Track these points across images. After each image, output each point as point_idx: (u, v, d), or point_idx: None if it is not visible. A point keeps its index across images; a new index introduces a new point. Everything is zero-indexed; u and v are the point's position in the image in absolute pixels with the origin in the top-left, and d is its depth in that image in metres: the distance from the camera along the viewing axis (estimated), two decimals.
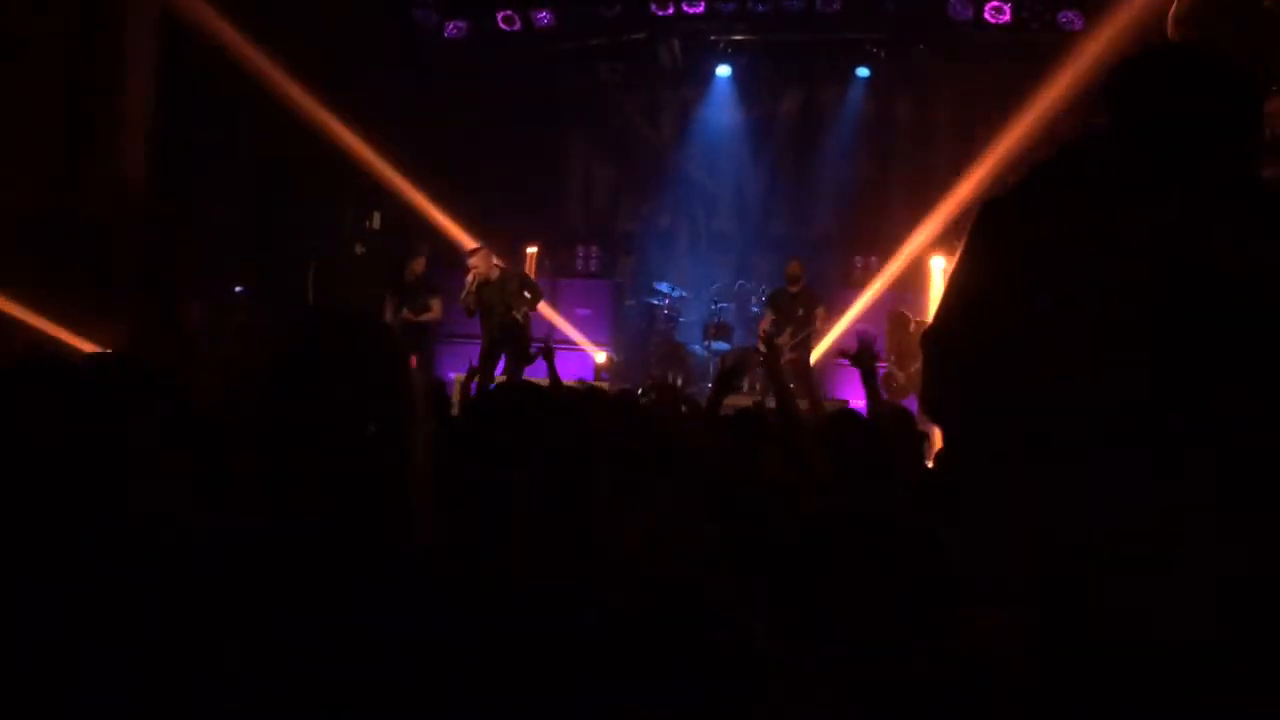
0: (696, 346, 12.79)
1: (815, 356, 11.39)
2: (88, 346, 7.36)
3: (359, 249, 12.36)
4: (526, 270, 11.36)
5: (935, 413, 2.08)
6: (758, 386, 11.85)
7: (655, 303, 13.16)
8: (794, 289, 11.55)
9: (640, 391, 8.78)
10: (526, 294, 10.43)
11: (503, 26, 12.67)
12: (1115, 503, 1.68)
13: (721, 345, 12.29)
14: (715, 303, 12.90)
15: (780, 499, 2.90)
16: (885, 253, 12.38)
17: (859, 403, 10.63)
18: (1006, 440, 1.84)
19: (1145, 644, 1.64)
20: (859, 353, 4.52)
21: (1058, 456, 1.77)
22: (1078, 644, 1.70)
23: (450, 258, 12.60)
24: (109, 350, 6.19)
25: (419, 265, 11.19)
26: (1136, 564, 1.66)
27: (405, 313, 10.94)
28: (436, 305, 11.05)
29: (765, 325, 11.40)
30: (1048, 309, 1.82)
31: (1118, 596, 1.67)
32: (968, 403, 1.96)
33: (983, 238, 1.98)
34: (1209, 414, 1.68)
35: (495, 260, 10.50)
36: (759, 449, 3.69)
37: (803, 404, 8.94)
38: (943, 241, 11.73)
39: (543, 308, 11.06)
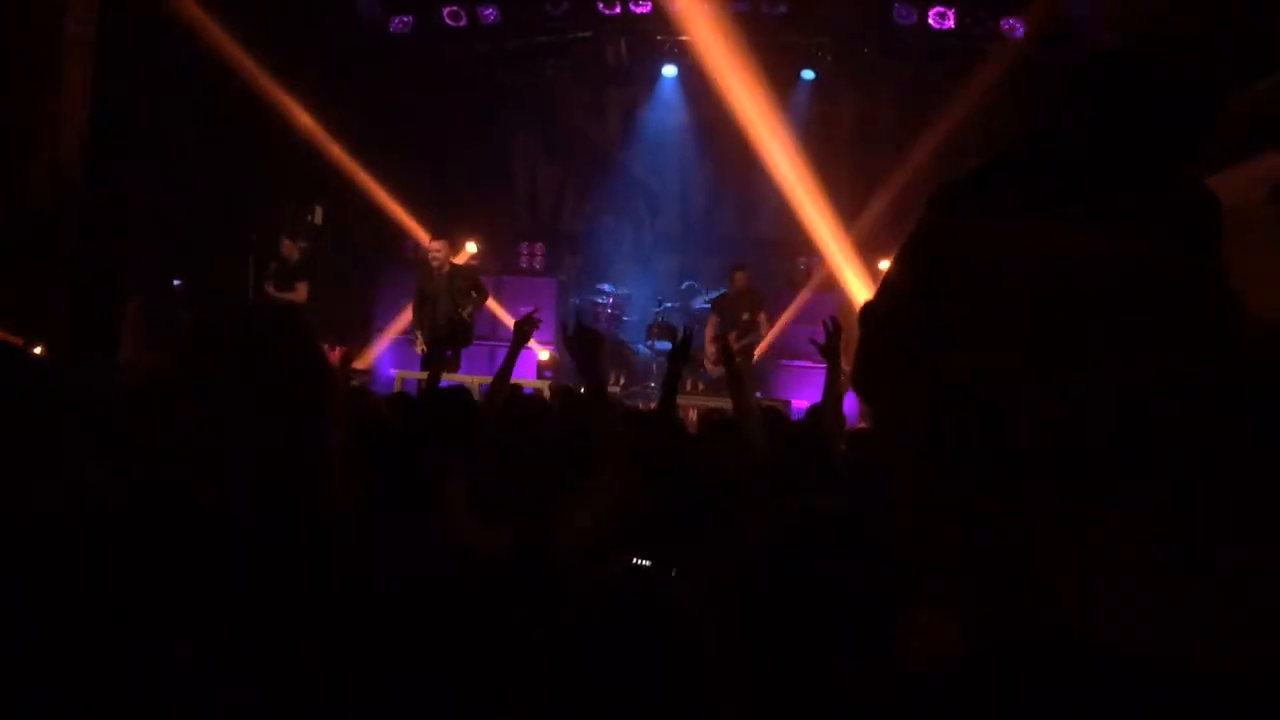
0: (640, 346, 12.81)
1: (756, 358, 11.55)
2: (19, 340, 7.20)
3: (300, 244, 12.21)
4: (461, 264, 11.32)
5: (864, 391, 2.07)
6: (700, 387, 11.92)
7: (599, 301, 13.16)
8: (738, 294, 11.75)
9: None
10: (474, 294, 10.47)
11: (448, 22, 12.58)
12: (1046, 510, 1.69)
13: (665, 345, 12.31)
14: (660, 302, 12.93)
15: (739, 497, 2.90)
16: (829, 253, 12.49)
17: (800, 402, 10.74)
18: (933, 434, 1.84)
19: (1077, 645, 1.65)
20: (828, 342, 4.32)
21: (989, 459, 1.77)
22: (1012, 645, 1.70)
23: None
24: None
25: (290, 249, 10.87)
26: (1065, 568, 1.67)
27: (269, 289, 10.66)
28: (302, 289, 10.82)
29: (711, 330, 11.54)
30: (988, 307, 1.82)
31: (1049, 598, 1.68)
32: (897, 388, 1.95)
33: (930, 228, 1.97)
34: (1145, 426, 1.68)
35: (449, 256, 10.63)
36: (719, 447, 3.68)
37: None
38: (886, 241, 11.88)
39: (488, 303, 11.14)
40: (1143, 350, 1.74)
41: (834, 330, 4.33)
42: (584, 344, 3.05)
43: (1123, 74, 1.91)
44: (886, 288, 2.02)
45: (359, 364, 12.40)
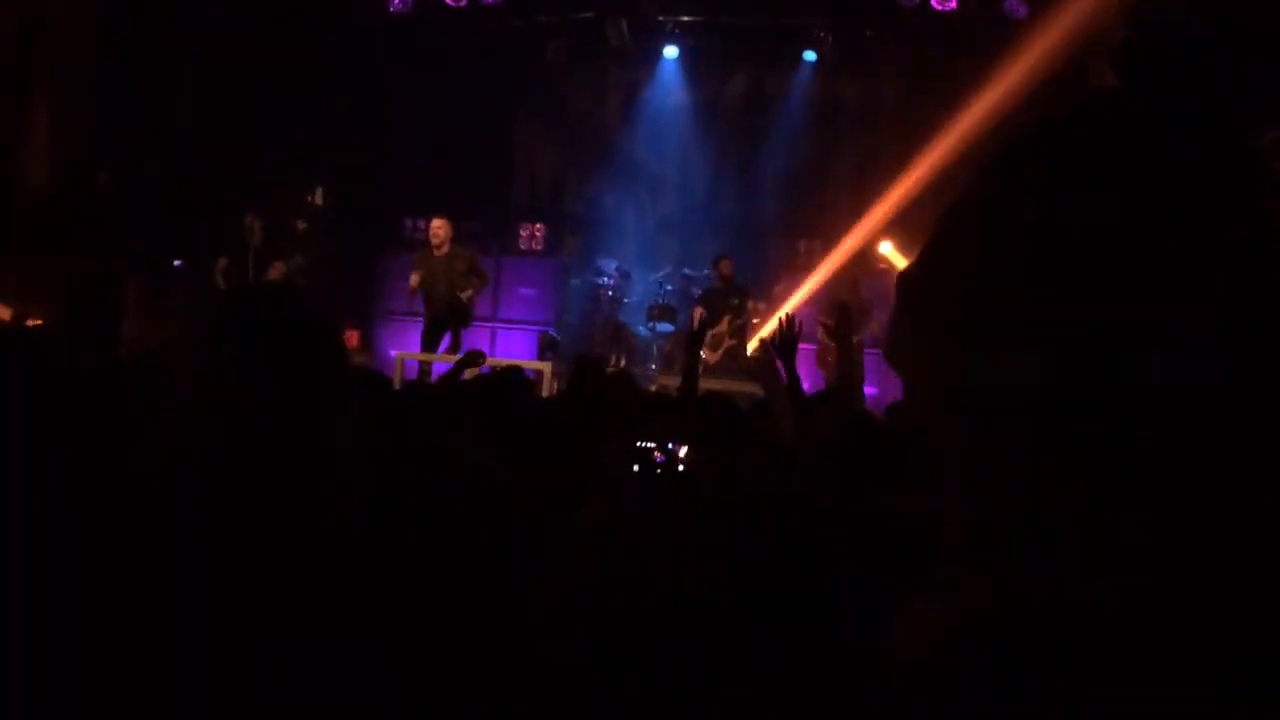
0: (640, 327, 12.80)
1: (752, 346, 11.57)
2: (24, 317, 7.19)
3: (301, 225, 12.19)
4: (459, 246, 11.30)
5: (897, 365, 2.03)
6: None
7: (599, 282, 13.14)
8: (724, 282, 11.85)
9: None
10: (474, 278, 10.45)
11: (449, 2, 12.53)
12: (1073, 503, 1.67)
13: (665, 326, 12.31)
14: (661, 284, 12.91)
15: (759, 492, 2.88)
16: (829, 238, 12.46)
17: (806, 385, 10.73)
18: (967, 411, 1.81)
19: (1088, 638, 1.63)
20: (838, 324, 4.30)
21: (1023, 445, 1.74)
22: (1022, 635, 1.68)
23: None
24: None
25: (255, 227, 10.51)
26: (1082, 557, 1.65)
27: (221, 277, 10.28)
28: (279, 268, 10.62)
29: (698, 317, 11.55)
30: (1039, 280, 1.78)
31: (1064, 589, 1.66)
32: (931, 364, 1.91)
33: (980, 197, 1.92)
34: (1197, 415, 1.65)
35: (450, 236, 10.63)
36: (737, 439, 3.65)
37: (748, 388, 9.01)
38: (888, 226, 11.86)
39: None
40: (1207, 328, 1.70)
41: (843, 314, 4.31)
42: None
43: (1195, 38, 1.86)
44: (926, 257, 1.97)
45: (354, 344, 12.39)
